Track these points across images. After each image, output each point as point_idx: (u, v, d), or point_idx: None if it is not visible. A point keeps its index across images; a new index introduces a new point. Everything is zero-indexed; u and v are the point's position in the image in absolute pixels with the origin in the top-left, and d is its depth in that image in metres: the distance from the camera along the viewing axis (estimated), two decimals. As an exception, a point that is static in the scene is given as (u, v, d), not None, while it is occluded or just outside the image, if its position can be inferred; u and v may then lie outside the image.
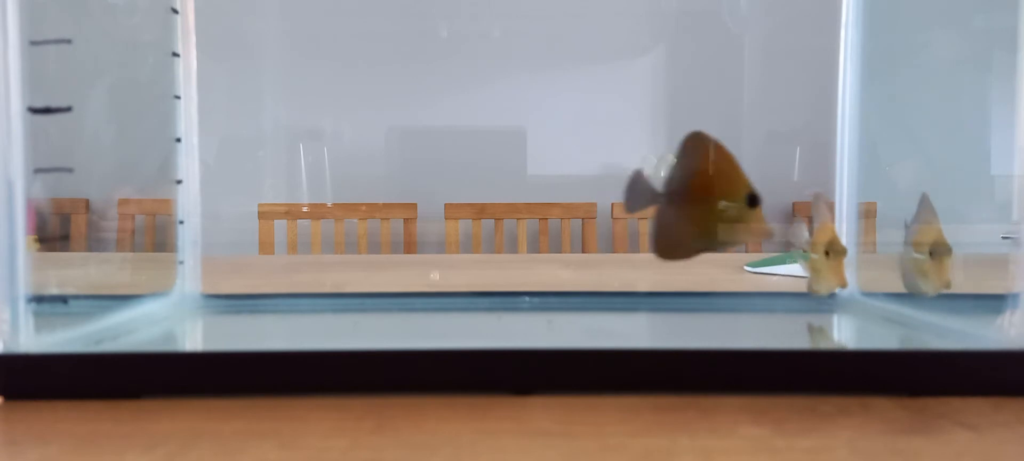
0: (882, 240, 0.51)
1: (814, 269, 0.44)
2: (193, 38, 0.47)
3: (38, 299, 0.33)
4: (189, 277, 0.48)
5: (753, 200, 0.35)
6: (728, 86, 1.79)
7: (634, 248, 1.57)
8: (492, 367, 0.33)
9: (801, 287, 0.46)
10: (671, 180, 0.38)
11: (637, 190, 0.39)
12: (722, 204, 0.35)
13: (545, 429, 0.29)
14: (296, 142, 1.76)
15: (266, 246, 1.49)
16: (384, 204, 1.56)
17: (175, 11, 0.46)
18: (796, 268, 0.78)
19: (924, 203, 0.41)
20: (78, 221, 1.40)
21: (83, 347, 0.35)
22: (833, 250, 0.43)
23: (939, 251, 0.39)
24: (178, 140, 0.47)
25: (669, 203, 0.38)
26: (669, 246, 0.38)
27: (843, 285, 0.43)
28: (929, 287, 0.40)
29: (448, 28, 1.74)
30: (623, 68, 1.80)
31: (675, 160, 0.37)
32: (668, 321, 0.49)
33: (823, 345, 0.43)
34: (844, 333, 0.46)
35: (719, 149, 0.36)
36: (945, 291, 0.39)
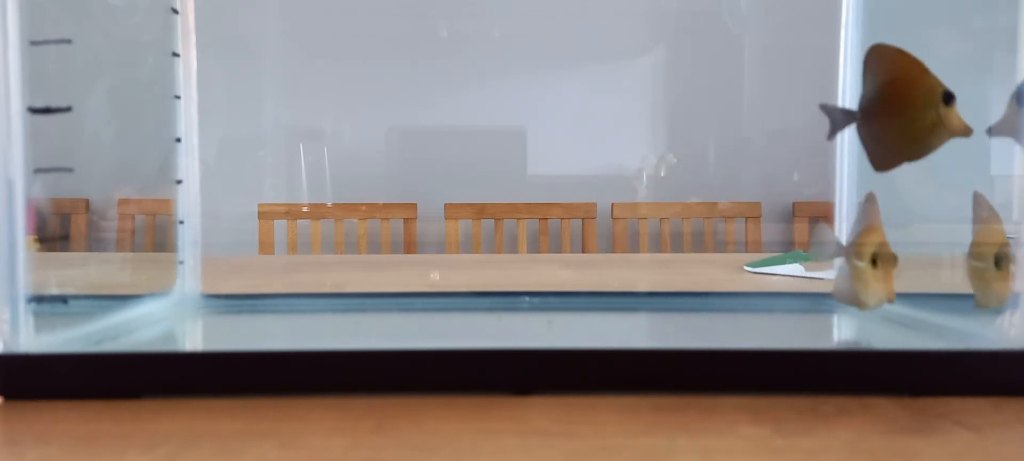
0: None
1: (860, 279, 0.38)
2: (193, 38, 0.47)
3: (38, 299, 0.33)
4: (189, 277, 0.48)
5: (949, 98, 0.33)
6: (728, 86, 1.79)
7: (634, 248, 1.57)
8: (492, 367, 0.33)
9: (800, 287, 0.45)
10: (864, 97, 0.37)
11: (833, 115, 0.38)
12: (917, 113, 0.34)
13: (545, 429, 0.29)
14: (296, 142, 1.76)
15: (266, 246, 1.49)
16: (384, 204, 1.56)
17: (175, 11, 0.46)
18: (796, 268, 0.78)
19: (979, 201, 0.36)
20: (78, 221, 1.40)
21: (83, 347, 0.35)
22: (882, 257, 0.37)
23: (1005, 257, 0.33)
24: (178, 140, 0.47)
25: (867, 119, 0.37)
26: (881, 158, 0.37)
27: (891, 299, 0.37)
28: (991, 299, 0.34)
29: (448, 28, 1.74)
30: (623, 68, 1.80)
31: (863, 77, 0.37)
32: (668, 321, 0.49)
33: (823, 345, 0.43)
34: (844, 333, 0.46)
35: (904, 55, 0.35)
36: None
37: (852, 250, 0.39)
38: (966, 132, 0.33)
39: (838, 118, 0.40)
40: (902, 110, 0.35)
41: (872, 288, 0.37)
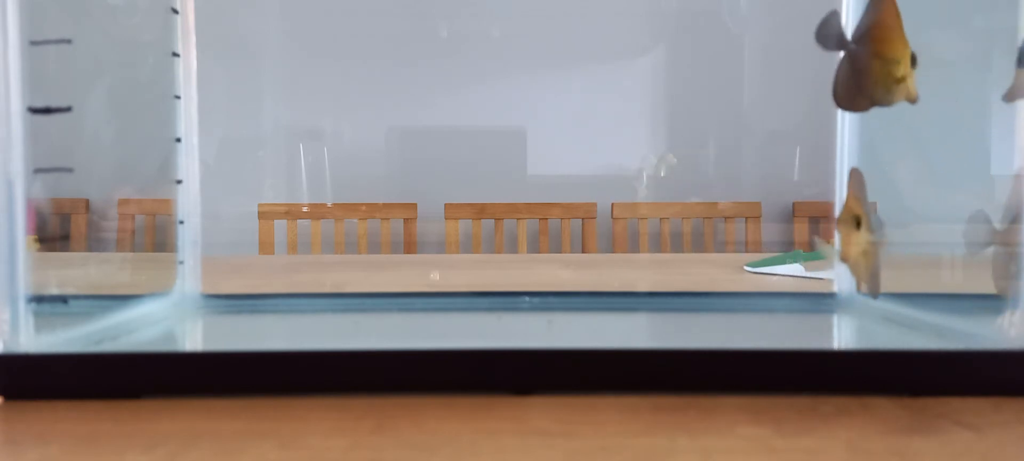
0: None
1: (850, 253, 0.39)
2: (193, 38, 0.47)
3: (38, 299, 0.33)
4: (189, 277, 0.48)
5: (914, 61, 0.35)
6: (728, 86, 1.79)
7: (634, 248, 1.57)
8: (492, 367, 0.33)
9: (800, 287, 0.45)
10: (857, 29, 0.38)
11: (828, 32, 0.39)
12: (895, 61, 0.35)
13: (545, 429, 0.29)
14: (296, 142, 1.76)
15: (266, 246, 1.49)
16: (384, 204, 1.56)
17: (175, 11, 0.46)
18: (796, 268, 0.78)
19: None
20: (78, 221, 1.40)
21: (83, 347, 0.35)
22: (839, 221, 0.38)
23: None
24: (178, 140, 0.47)
25: (856, 52, 0.38)
26: (848, 96, 0.38)
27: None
28: None
29: (448, 28, 1.74)
30: (623, 68, 1.80)
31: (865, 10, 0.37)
32: (668, 321, 0.49)
33: (823, 345, 0.43)
34: (844, 333, 0.46)
35: (892, 5, 0.36)
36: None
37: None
38: (914, 99, 0.34)
39: (833, 38, 0.39)
40: (879, 52, 0.36)
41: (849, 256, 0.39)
